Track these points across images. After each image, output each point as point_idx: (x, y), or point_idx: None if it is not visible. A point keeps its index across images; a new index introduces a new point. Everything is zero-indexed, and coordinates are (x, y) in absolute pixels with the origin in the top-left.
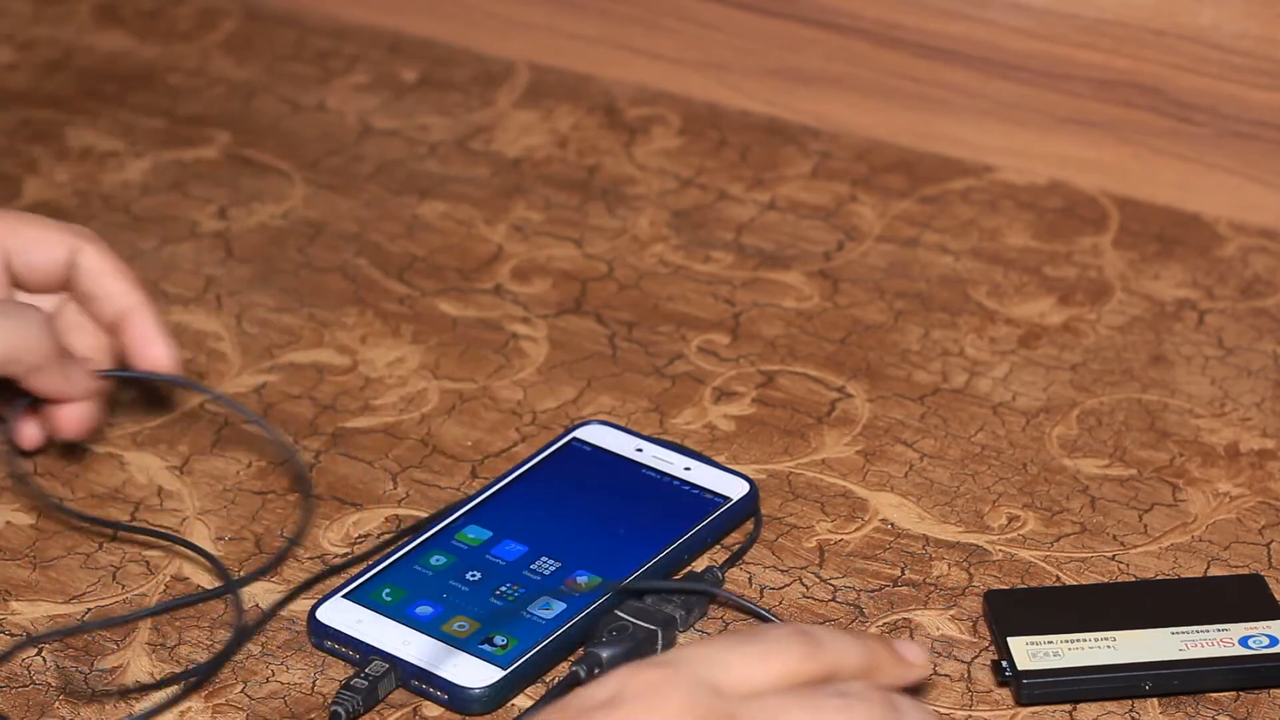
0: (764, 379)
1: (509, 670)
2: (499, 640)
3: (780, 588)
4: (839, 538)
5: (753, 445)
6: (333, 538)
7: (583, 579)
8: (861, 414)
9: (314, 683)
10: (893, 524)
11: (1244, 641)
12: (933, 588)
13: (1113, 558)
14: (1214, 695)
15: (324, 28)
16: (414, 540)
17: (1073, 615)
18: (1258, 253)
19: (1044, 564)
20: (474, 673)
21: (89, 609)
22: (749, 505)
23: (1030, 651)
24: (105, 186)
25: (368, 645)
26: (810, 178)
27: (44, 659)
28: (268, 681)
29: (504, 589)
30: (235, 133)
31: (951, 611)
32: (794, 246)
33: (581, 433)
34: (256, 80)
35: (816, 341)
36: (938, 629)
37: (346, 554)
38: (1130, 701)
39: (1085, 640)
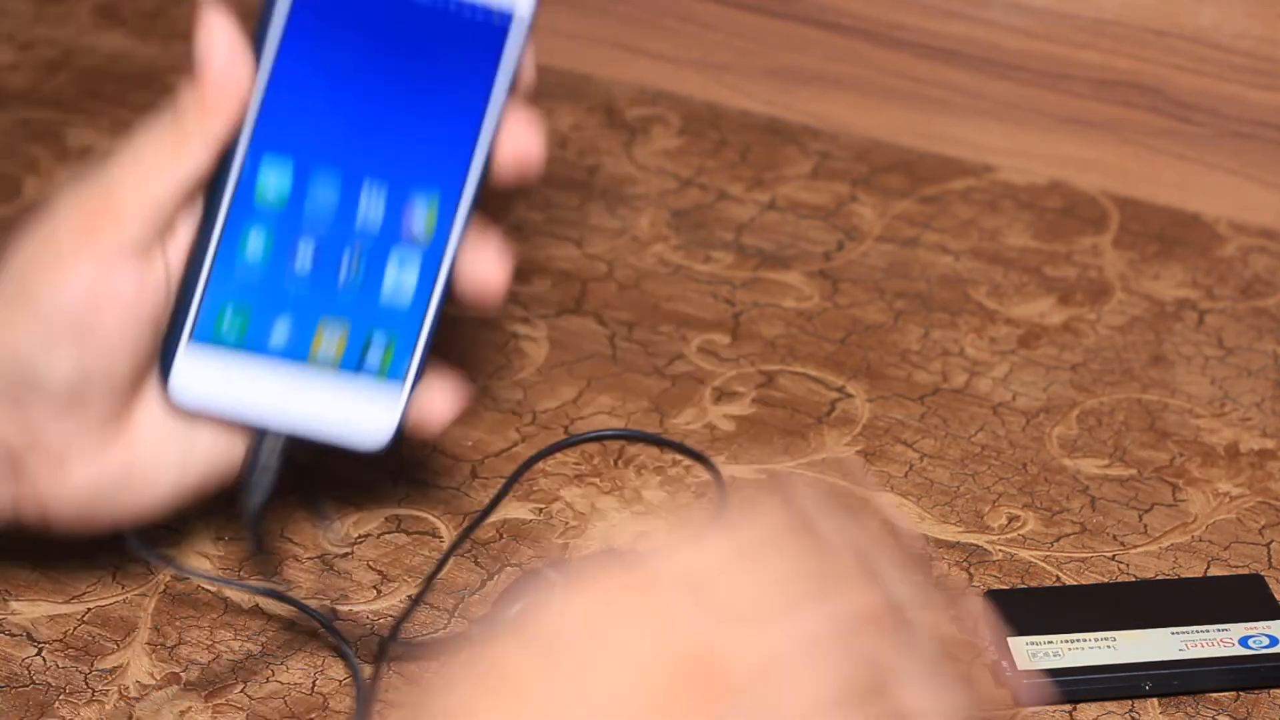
0: (764, 379)
1: (404, 396)
2: (377, 346)
3: None
4: None
5: (753, 445)
6: (332, 537)
7: (420, 213)
8: (861, 414)
9: (314, 683)
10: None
11: (1244, 641)
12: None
13: (1113, 558)
14: (1214, 695)
15: None
16: (216, 207)
17: (1073, 615)
18: (1258, 253)
19: (1044, 564)
20: (368, 421)
21: (89, 609)
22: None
23: (1030, 652)
24: None
25: (248, 420)
26: (810, 178)
27: (44, 659)
28: (268, 681)
29: (347, 261)
30: None
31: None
32: (794, 246)
33: None
34: None
35: (816, 341)
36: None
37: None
38: (1130, 701)
39: (1085, 640)
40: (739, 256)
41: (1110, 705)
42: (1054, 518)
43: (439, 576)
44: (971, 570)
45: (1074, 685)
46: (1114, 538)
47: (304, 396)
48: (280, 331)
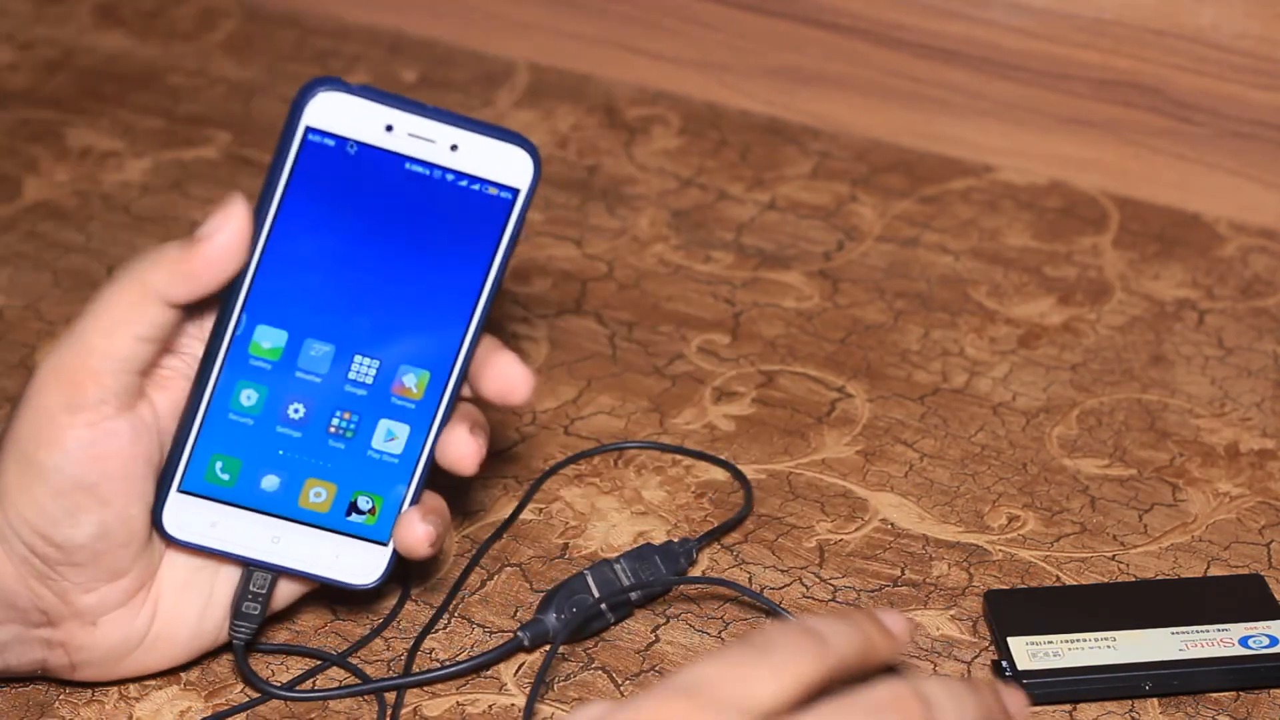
0: (764, 379)
1: (392, 544)
2: (364, 504)
3: (780, 588)
4: (839, 538)
5: (753, 445)
6: None
7: (410, 380)
8: (861, 414)
9: (314, 682)
10: (893, 524)
11: (1244, 642)
12: (933, 588)
13: (1113, 558)
14: (1214, 695)
15: (324, 28)
16: (210, 366)
17: (1073, 615)
18: (1258, 253)
19: (1044, 564)
20: (358, 564)
21: None
22: (535, 185)
23: (1030, 652)
24: (105, 186)
25: (237, 557)
26: (810, 178)
27: None
28: (268, 681)
29: (337, 423)
30: (235, 133)
31: (951, 611)
32: (794, 246)
33: (315, 114)
34: (256, 80)
35: (816, 341)
36: (938, 629)
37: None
38: (1130, 701)
39: (1085, 640)
40: (739, 256)
41: (1110, 705)
42: (1054, 518)
43: (438, 576)
44: (971, 570)
45: (1074, 685)
46: (1114, 538)
47: (291, 542)
48: (267, 485)
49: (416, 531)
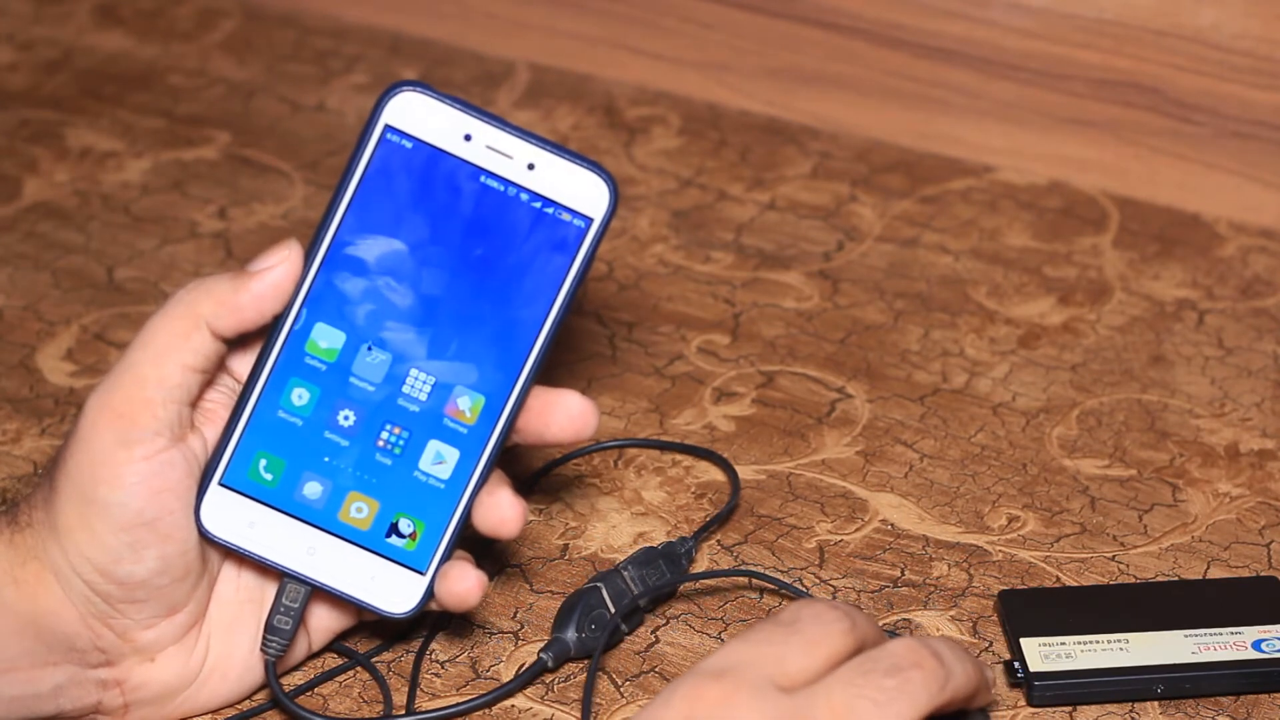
0: (764, 379)
1: (429, 574)
2: (405, 527)
3: (780, 589)
4: (839, 538)
5: (753, 446)
6: None
7: (465, 403)
8: (861, 414)
9: (315, 686)
10: (893, 524)
11: (1257, 645)
12: (933, 588)
13: (1112, 558)
14: (1214, 696)
15: (324, 28)
16: (265, 358)
17: (1086, 617)
18: (1258, 253)
19: (1044, 564)
20: (392, 589)
21: None
22: (610, 218)
23: (1043, 653)
24: (105, 186)
25: (271, 563)
26: (810, 178)
27: None
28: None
29: (386, 437)
30: (235, 133)
31: (952, 612)
32: (794, 246)
33: (395, 114)
34: (256, 80)
35: (816, 342)
36: (938, 630)
37: None
38: (1130, 701)
39: (1098, 642)
40: (739, 256)
41: (1110, 705)
42: (1054, 518)
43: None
44: (971, 571)
45: (1086, 688)
46: (1114, 538)
47: (327, 556)
48: (309, 493)
49: (469, 579)
